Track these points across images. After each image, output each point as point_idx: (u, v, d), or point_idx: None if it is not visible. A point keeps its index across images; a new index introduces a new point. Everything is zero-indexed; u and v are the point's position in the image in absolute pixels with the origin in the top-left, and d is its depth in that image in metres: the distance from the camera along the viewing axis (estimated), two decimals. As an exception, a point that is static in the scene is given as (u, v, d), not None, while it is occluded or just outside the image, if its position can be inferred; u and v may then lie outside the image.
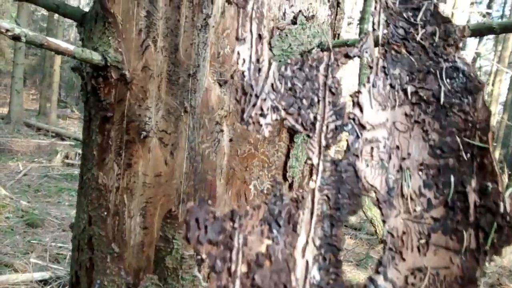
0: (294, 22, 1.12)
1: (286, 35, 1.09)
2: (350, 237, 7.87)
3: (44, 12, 20.01)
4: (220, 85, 1.08)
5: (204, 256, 1.07)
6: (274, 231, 1.11)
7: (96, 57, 1.07)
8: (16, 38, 0.90)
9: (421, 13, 0.80)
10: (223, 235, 1.07)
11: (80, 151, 11.97)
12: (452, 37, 0.78)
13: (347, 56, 0.80)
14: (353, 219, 8.80)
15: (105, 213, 1.15)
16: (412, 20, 0.80)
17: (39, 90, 18.72)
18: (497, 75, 16.41)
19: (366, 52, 0.80)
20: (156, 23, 1.08)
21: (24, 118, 14.75)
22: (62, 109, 18.74)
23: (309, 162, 0.80)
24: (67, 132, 14.51)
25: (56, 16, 16.65)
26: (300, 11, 1.13)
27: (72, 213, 8.04)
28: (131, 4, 1.10)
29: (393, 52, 0.80)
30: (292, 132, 1.16)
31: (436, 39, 0.79)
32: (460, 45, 0.79)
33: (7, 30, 0.89)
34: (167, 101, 1.09)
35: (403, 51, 0.80)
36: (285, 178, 1.19)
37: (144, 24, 1.09)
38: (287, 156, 1.18)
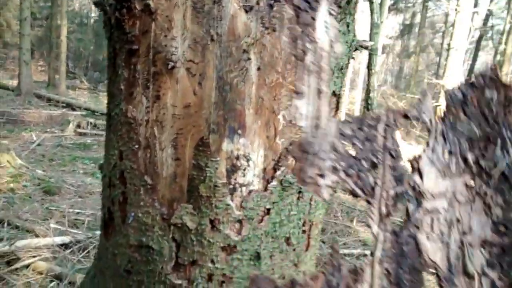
0: None
1: None
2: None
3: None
4: (246, 11, 1.07)
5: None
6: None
7: (120, -13, 1.06)
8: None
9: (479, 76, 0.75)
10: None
11: (92, 120, 12.03)
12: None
13: (406, 117, 0.76)
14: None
15: (136, 146, 1.17)
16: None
17: (47, 61, 18.69)
18: (510, 34, 16.02)
19: (425, 113, 0.75)
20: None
21: (34, 89, 14.79)
22: (71, 80, 18.76)
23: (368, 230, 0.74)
24: (77, 102, 14.56)
25: (59, -15, 16.45)
26: None
27: (88, 180, 8.16)
28: None
29: (451, 116, 0.75)
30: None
31: (496, 105, 0.74)
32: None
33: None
34: (193, 30, 1.08)
35: (462, 116, 0.75)
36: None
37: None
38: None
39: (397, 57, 29.03)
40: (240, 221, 1.16)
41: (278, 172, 1.18)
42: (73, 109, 13.51)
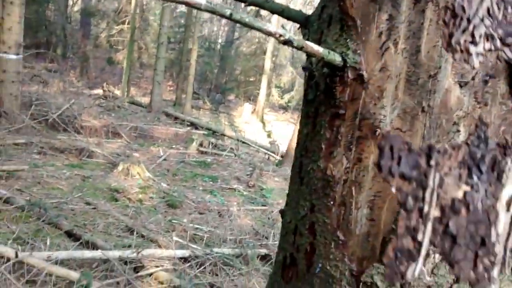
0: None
1: (532, 37, 1.07)
2: None
3: (183, 9, 21.56)
4: (461, 86, 1.10)
5: (394, 190, 1.08)
6: (475, 177, 1.08)
7: (337, 58, 1.15)
8: (286, 42, 1.01)
9: None
10: (417, 171, 1.07)
11: (213, 140, 12.65)
12: None
13: None
14: None
15: (331, 202, 1.24)
16: None
17: (176, 82, 20.24)
18: None
19: None
20: (398, 26, 1.13)
21: (163, 107, 16.07)
22: (195, 100, 20.07)
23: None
24: (200, 121, 15.50)
25: (194, 12, 17.81)
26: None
27: (207, 197, 8.60)
28: (372, 9, 1.16)
29: None
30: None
31: None
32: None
33: (280, 35, 1.00)
34: (404, 100, 1.14)
35: None
36: None
37: (385, 27, 1.14)
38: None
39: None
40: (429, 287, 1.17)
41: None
42: (196, 128, 14.41)
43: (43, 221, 6.12)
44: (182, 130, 13.85)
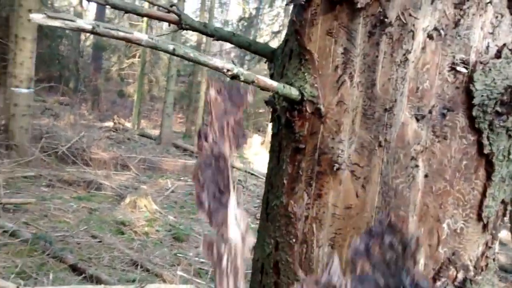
0: (498, 56, 1.07)
1: (490, 70, 1.05)
2: (500, 280, 7.12)
3: (192, 42, 21.95)
4: (418, 120, 1.07)
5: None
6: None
7: (294, 92, 1.14)
8: (234, 77, 1.00)
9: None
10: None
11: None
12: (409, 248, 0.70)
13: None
14: (503, 260, 7.98)
15: (293, 240, 1.20)
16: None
17: (186, 114, 20.43)
18: None
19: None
20: (354, 59, 1.11)
21: (173, 139, 16.17)
22: (204, 132, 20.11)
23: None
24: (209, 153, 15.48)
25: (203, 46, 18.13)
26: (504, 44, 1.08)
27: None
28: (328, 42, 1.15)
29: (358, 268, 0.73)
30: (489, 170, 1.10)
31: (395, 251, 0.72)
32: (418, 257, 0.72)
33: (228, 70, 0.99)
34: (360, 134, 1.11)
35: (367, 266, 0.73)
36: (480, 218, 1.12)
37: (340, 60, 1.13)
38: (483, 195, 1.11)
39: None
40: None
41: (438, 283, 1.12)
42: (205, 160, 14.40)
43: (47, 254, 6.09)
44: (191, 161, 13.84)
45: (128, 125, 17.38)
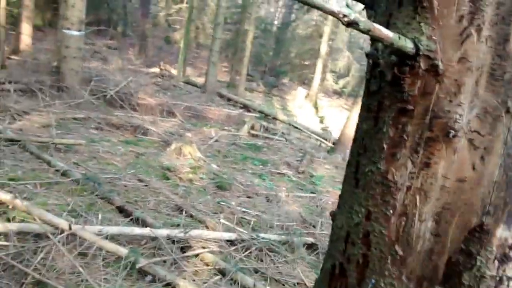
0: None
1: None
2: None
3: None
4: (560, 85, 0.90)
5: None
6: None
7: (409, 44, 0.98)
8: (350, 24, 0.86)
9: None
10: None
11: (264, 123, 12.61)
12: None
13: None
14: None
15: (391, 211, 1.09)
16: None
17: (231, 63, 20.24)
18: None
19: None
20: (484, 9, 0.94)
21: (217, 88, 16.11)
22: (249, 82, 19.98)
23: None
24: (252, 104, 15.42)
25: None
26: None
27: (256, 181, 8.55)
28: (453, -13, 0.98)
29: None
30: None
31: None
32: None
33: (345, 16, 0.85)
34: (485, 98, 0.96)
35: None
36: None
37: (467, 9, 0.96)
38: None
39: None
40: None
41: None
42: (249, 111, 14.33)
43: (96, 195, 6.27)
44: (235, 112, 13.80)
45: (174, 72, 17.41)
